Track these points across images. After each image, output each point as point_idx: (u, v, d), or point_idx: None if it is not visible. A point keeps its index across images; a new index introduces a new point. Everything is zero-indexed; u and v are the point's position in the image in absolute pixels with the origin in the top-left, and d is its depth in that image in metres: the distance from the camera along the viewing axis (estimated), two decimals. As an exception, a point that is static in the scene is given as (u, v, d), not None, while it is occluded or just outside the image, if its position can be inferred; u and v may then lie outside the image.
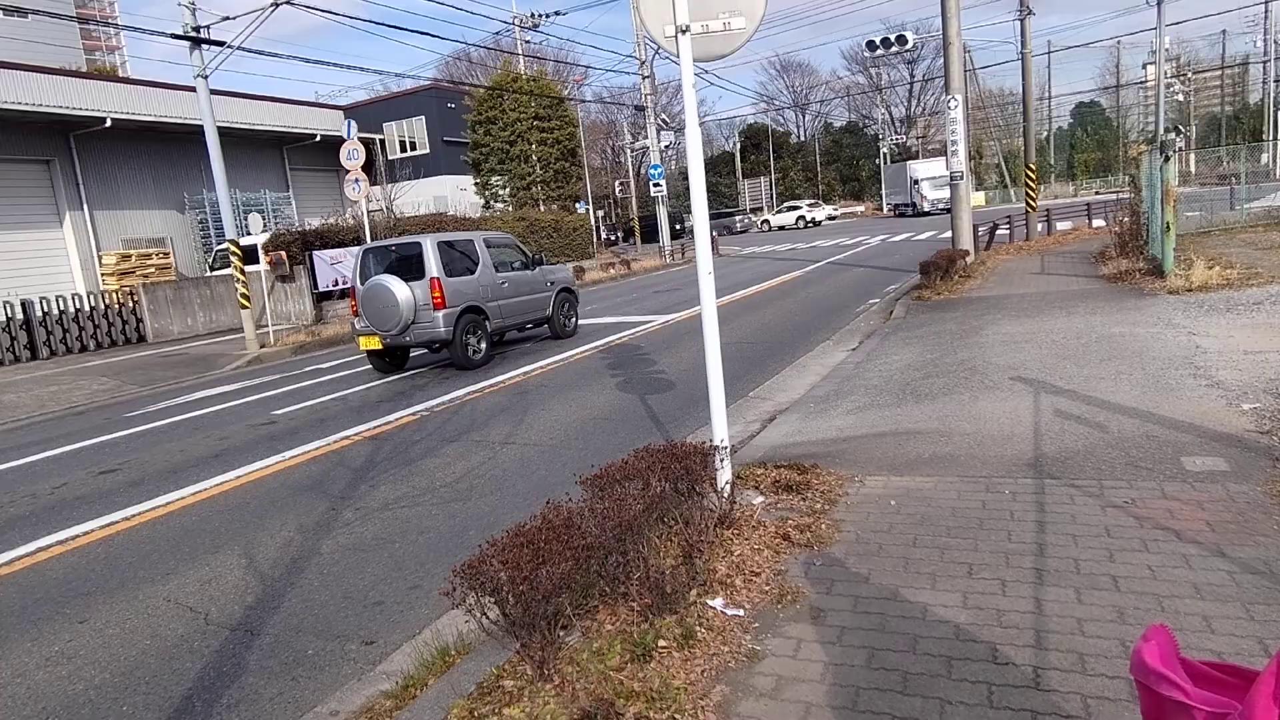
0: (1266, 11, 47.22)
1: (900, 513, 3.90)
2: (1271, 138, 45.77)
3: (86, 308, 18.27)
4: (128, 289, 19.84)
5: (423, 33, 23.55)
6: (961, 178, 14.99)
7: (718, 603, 3.19)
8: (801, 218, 51.07)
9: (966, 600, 3.01)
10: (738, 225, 52.62)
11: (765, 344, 10.43)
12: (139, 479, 6.94)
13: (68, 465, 7.80)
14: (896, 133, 66.64)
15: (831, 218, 53.20)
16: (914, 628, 2.87)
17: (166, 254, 24.94)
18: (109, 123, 22.72)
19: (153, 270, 23.84)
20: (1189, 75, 62.99)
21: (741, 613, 3.13)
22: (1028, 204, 20.18)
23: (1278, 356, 5.85)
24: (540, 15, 34.12)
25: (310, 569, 4.59)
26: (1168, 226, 9.76)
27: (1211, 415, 4.74)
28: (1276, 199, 18.44)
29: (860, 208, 61.49)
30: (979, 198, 59.09)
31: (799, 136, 75.89)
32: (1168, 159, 9.55)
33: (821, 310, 13.12)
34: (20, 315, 17.14)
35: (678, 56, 4.06)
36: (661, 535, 3.67)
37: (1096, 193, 43.71)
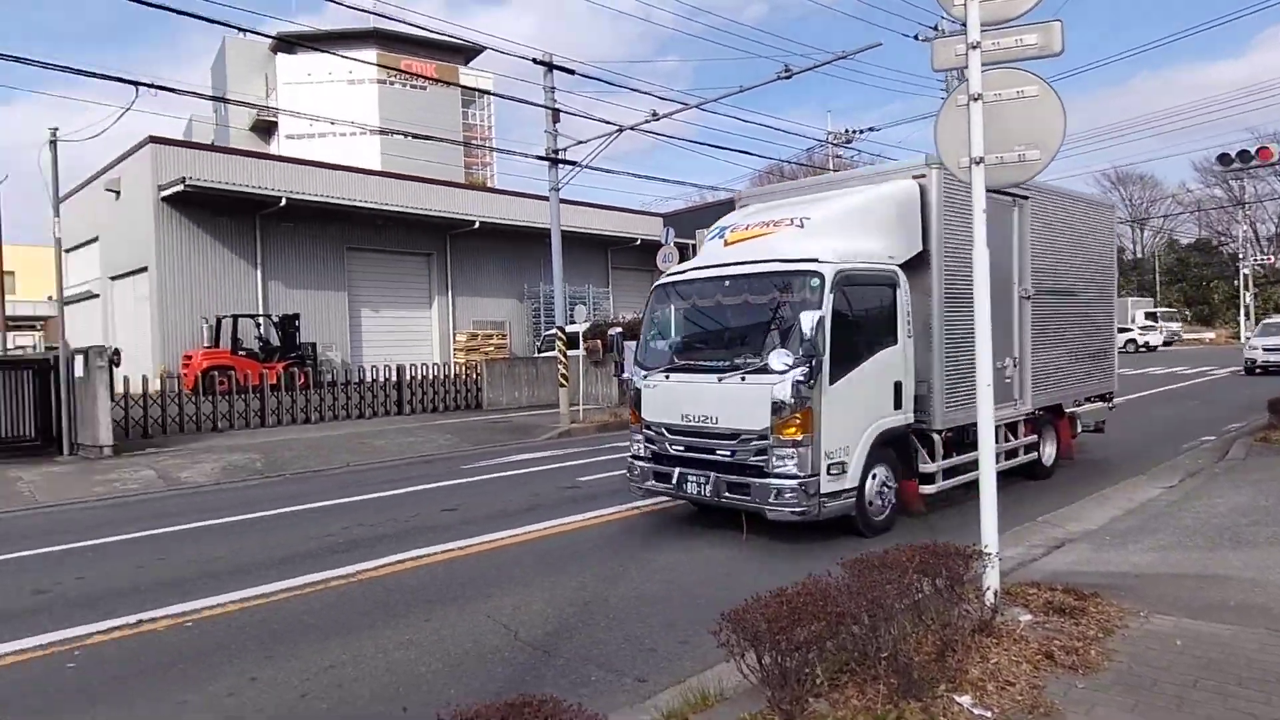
0: None
1: (1185, 653, 3.67)
2: None
3: (442, 376, 21.92)
4: (474, 363, 23.44)
5: (740, 150, 25.56)
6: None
7: (965, 700, 3.30)
8: (1132, 341, 40.99)
9: (1246, 750, 2.84)
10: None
11: (1060, 476, 9.72)
12: (470, 519, 8.33)
13: (420, 501, 9.54)
14: (1263, 253, 57.76)
15: (1168, 343, 45.35)
16: (1177, 764, 2.78)
17: (504, 335, 29.08)
18: (478, 224, 27.49)
19: (492, 349, 27.90)
20: None
21: (990, 715, 3.21)
22: None
23: None
24: (854, 131, 35.13)
25: (598, 612, 5.31)
26: None
27: None
28: None
29: (1210, 334, 53.34)
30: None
31: (1133, 253, 68.52)
32: None
33: (1138, 444, 11.88)
34: (395, 378, 21.01)
35: (970, 185, 4.40)
36: (918, 630, 3.83)
37: None
